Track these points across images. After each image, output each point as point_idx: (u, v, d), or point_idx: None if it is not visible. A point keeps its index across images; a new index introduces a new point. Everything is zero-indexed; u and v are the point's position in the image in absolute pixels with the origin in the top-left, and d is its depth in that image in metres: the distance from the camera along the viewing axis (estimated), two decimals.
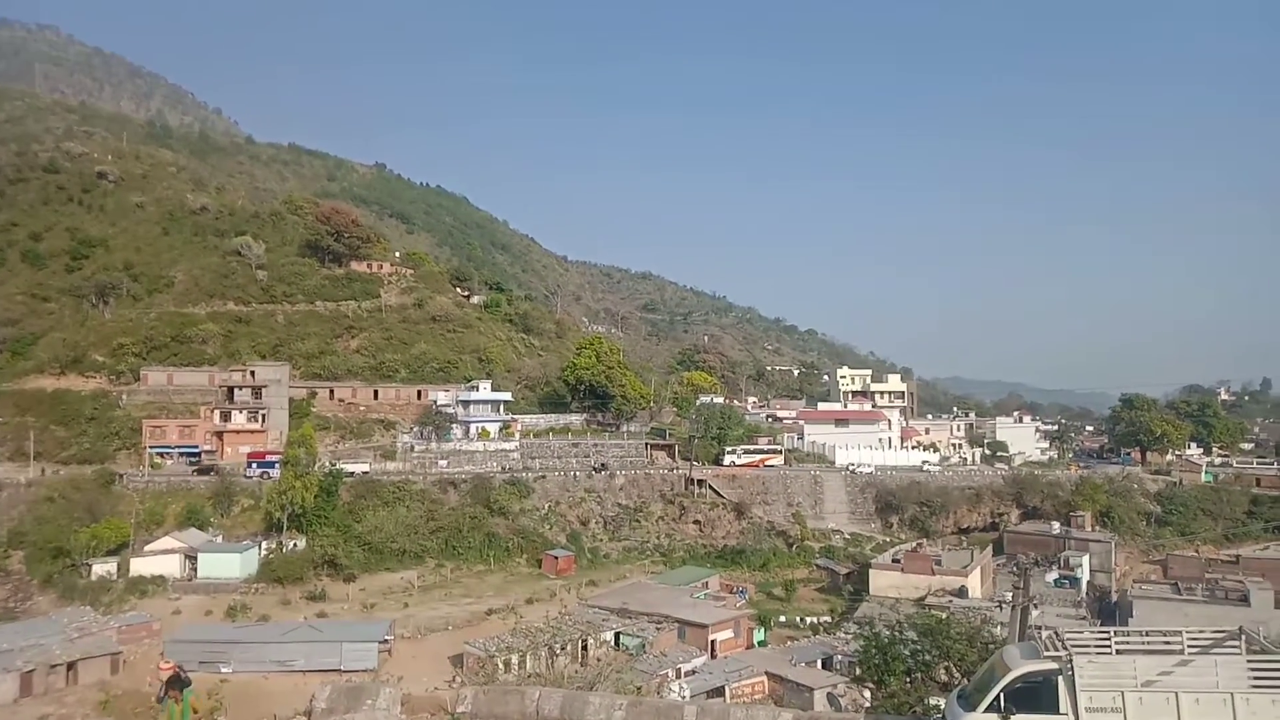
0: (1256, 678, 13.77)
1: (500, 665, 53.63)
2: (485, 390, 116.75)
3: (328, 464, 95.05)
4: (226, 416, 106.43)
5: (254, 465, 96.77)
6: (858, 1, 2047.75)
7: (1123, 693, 13.93)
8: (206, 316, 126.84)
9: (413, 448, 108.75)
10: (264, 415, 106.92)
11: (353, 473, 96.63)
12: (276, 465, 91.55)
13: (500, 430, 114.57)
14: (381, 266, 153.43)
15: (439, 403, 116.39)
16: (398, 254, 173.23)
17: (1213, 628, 15.80)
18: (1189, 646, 14.89)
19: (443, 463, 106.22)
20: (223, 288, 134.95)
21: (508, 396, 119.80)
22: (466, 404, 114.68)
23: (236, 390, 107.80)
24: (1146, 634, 15.99)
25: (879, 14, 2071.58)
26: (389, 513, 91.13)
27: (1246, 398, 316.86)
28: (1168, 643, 15.17)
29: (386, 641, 62.03)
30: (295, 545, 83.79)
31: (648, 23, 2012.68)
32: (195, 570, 78.62)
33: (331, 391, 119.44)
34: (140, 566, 77.68)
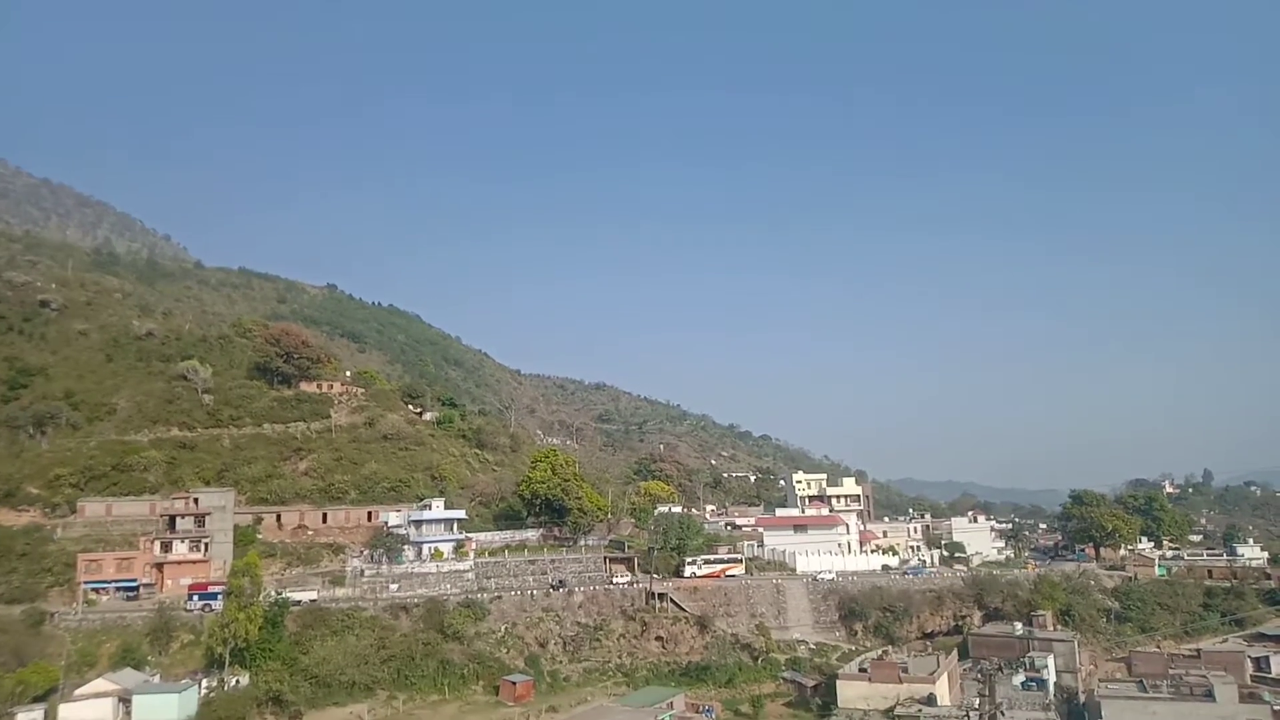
0: None
1: None
2: (438, 508, 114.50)
3: (273, 593, 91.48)
4: (167, 547, 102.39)
5: (195, 597, 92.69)
6: (803, 110, 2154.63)
7: None
8: (149, 443, 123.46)
9: (363, 572, 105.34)
10: (207, 544, 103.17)
11: (300, 601, 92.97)
12: (219, 596, 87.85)
13: (454, 550, 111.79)
14: (332, 386, 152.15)
15: (390, 523, 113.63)
16: (349, 373, 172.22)
17: None
18: None
19: (394, 586, 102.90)
20: (167, 413, 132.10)
21: (462, 514, 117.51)
22: (419, 524, 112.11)
23: (178, 519, 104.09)
24: None
25: (826, 119, 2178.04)
26: (338, 642, 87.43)
27: (1190, 489, 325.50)
28: None
29: None
30: (238, 682, 79.47)
31: (588, 140, 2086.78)
32: (130, 714, 73.77)
33: (278, 517, 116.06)
34: (69, 713, 72.59)
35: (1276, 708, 74.74)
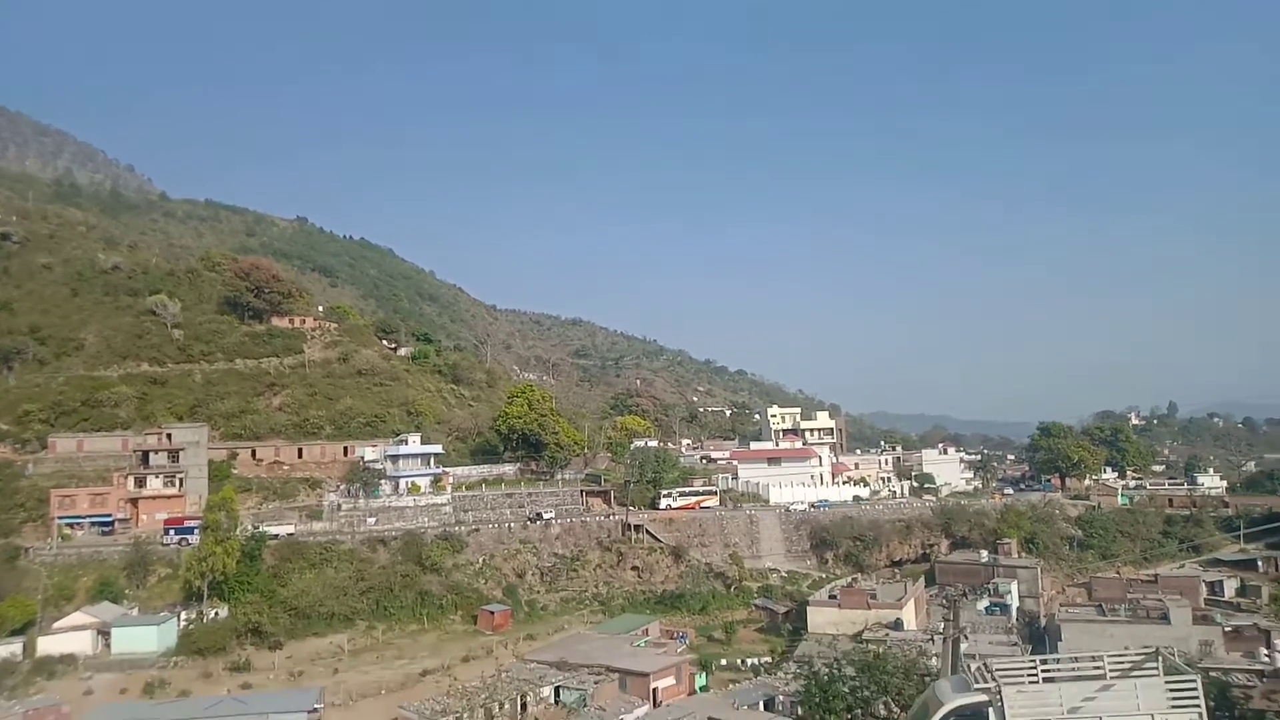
0: (1174, 698, 14.32)
1: None
2: (415, 444, 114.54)
3: (250, 527, 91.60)
4: (141, 482, 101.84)
5: (171, 532, 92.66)
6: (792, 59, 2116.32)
7: None
8: (119, 379, 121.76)
9: (339, 506, 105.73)
10: (181, 479, 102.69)
11: (277, 535, 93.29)
12: (195, 531, 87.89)
13: (431, 484, 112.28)
14: (304, 321, 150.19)
15: (366, 458, 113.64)
16: (321, 308, 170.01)
17: (1132, 651, 16.41)
18: (1110, 671, 15.42)
19: (371, 520, 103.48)
20: (136, 348, 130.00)
21: (438, 449, 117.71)
22: (395, 459, 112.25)
23: (152, 454, 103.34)
24: (1070, 661, 16.53)
25: (813, 64, 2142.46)
26: (316, 575, 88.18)
27: (1155, 421, 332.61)
28: (1095, 668, 15.69)
29: (316, 710, 59.47)
30: (217, 614, 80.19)
31: (575, 77, 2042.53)
32: (109, 646, 74.44)
33: (253, 451, 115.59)
34: (48, 645, 73.07)
35: (1227, 629, 77.88)
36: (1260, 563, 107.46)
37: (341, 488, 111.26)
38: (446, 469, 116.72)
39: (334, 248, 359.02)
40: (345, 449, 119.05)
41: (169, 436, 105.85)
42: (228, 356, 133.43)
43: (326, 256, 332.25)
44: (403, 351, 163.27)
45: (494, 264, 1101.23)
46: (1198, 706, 14.13)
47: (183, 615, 79.84)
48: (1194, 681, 14.40)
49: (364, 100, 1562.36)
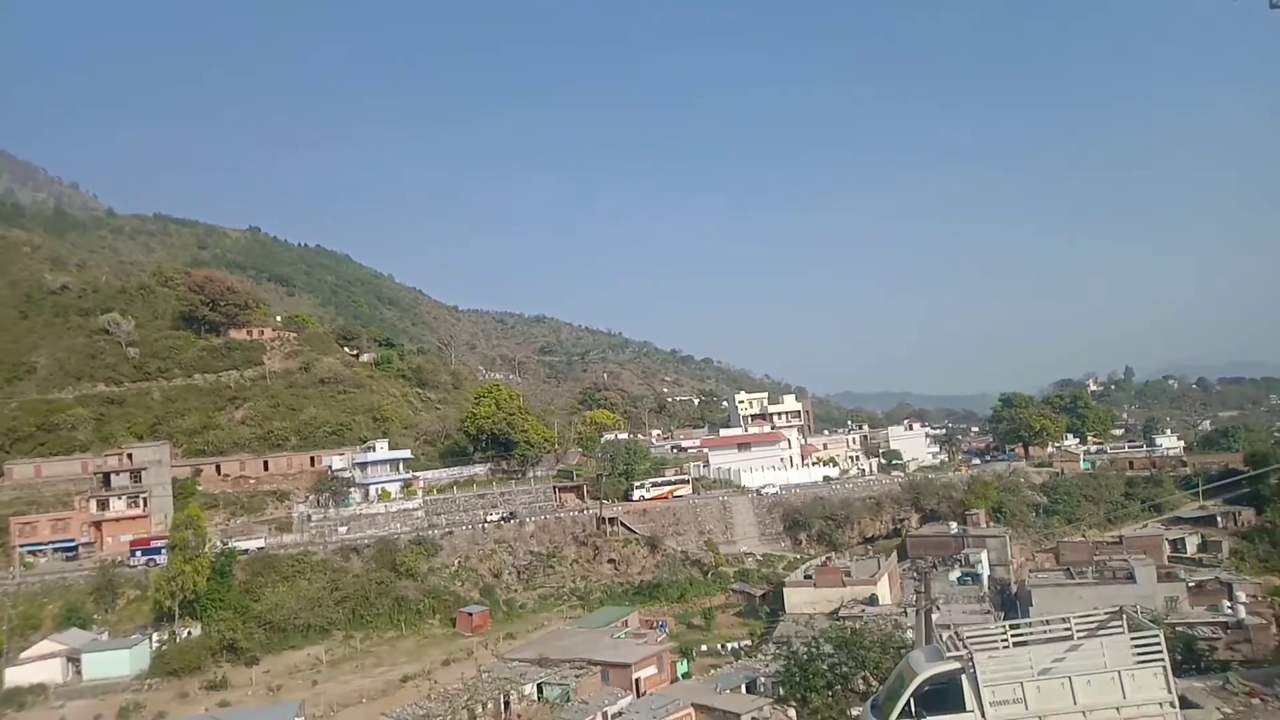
0: (1139, 653, 14.76)
1: None
2: (382, 450, 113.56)
3: (219, 544, 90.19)
4: (104, 504, 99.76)
5: (138, 553, 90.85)
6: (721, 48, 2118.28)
7: (1022, 683, 14.66)
8: (75, 400, 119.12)
9: (309, 517, 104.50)
10: (145, 499, 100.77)
11: (247, 550, 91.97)
12: (163, 551, 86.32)
13: (402, 489, 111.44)
14: (263, 332, 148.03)
15: (334, 467, 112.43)
16: (279, 318, 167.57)
17: (1097, 610, 16.85)
18: (1077, 631, 15.85)
19: (343, 529, 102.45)
20: (91, 369, 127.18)
21: (407, 454, 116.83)
22: (364, 466, 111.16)
23: (113, 476, 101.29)
24: (1039, 624, 16.94)
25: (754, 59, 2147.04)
26: (289, 588, 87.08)
27: (1113, 386, 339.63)
28: (1063, 630, 16.10)
29: None
30: (189, 633, 78.84)
31: (525, 68, 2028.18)
32: (80, 673, 72.91)
33: (218, 467, 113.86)
34: (16, 676, 71.37)
35: (1191, 584, 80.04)
36: (1219, 518, 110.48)
37: (310, 498, 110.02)
38: (416, 473, 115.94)
39: (289, 256, 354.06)
40: (312, 459, 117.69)
41: (130, 456, 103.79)
42: (186, 372, 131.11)
43: (282, 265, 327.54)
44: (365, 357, 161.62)
45: (454, 265, 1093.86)
46: (1161, 660, 14.58)
47: (154, 637, 78.41)
48: (1157, 636, 14.85)
49: (312, 105, 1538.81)
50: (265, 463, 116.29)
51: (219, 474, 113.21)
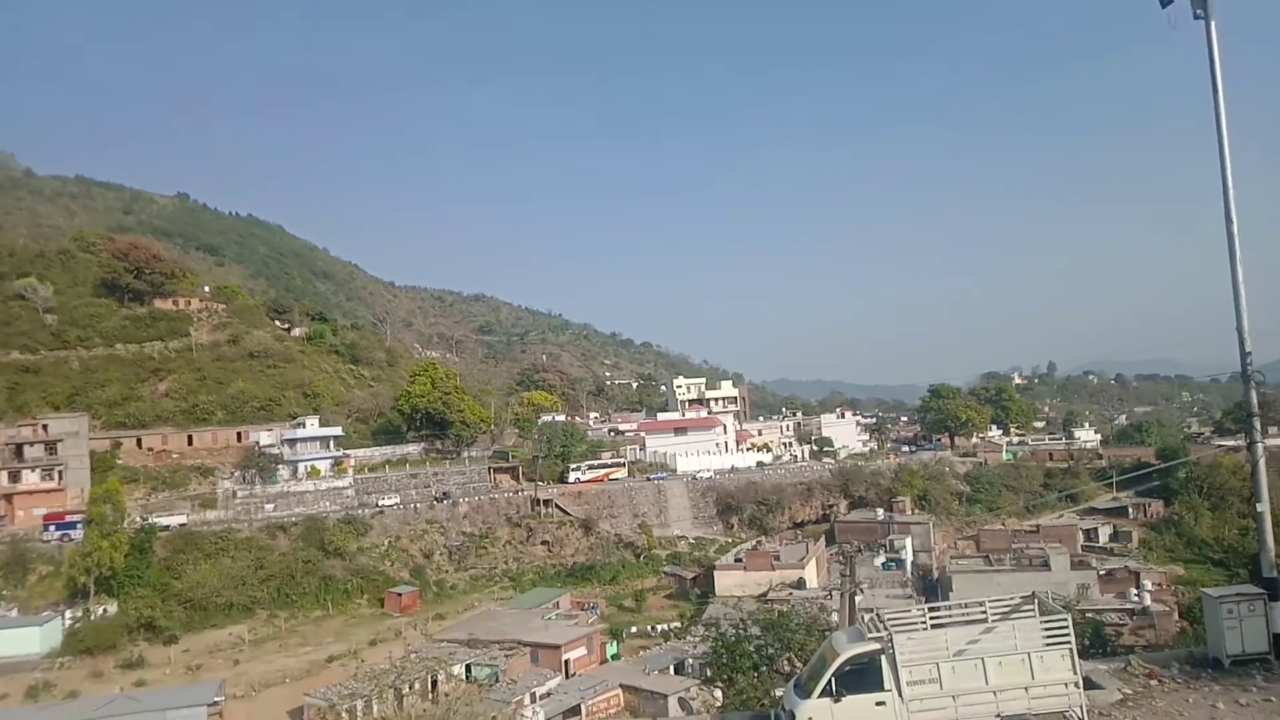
0: (1048, 637, 15.42)
1: (344, 714, 51.21)
2: (313, 426, 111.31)
3: (139, 519, 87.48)
4: (16, 476, 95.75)
5: (52, 528, 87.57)
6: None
7: (938, 664, 15.21)
8: None
9: (235, 493, 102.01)
10: (60, 472, 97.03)
11: (168, 526, 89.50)
12: (78, 525, 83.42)
13: (332, 467, 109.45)
14: (190, 302, 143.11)
15: (262, 443, 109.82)
16: (207, 288, 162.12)
17: (1011, 595, 17.51)
18: (992, 615, 16.48)
19: (269, 506, 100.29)
20: (5, 336, 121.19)
21: (338, 431, 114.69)
22: (293, 442, 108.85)
23: (26, 447, 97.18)
24: (956, 608, 17.52)
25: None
26: (212, 565, 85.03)
27: (1036, 380, 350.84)
28: (979, 613, 16.71)
29: (217, 703, 57.62)
30: (105, 611, 76.46)
31: (469, 43, 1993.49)
32: None
33: (139, 440, 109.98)
34: None
35: (1102, 572, 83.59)
36: (1131, 509, 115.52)
37: (236, 474, 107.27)
38: (347, 451, 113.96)
39: (219, 225, 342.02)
40: (239, 434, 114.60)
41: (45, 427, 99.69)
42: (107, 341, 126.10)
43: (211, 234, 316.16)
44: (297, 332, 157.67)
45: (392, 240, 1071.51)
46: (1069, 642, 15.21)
47: (67, 614, 75.84)
48: (1065, 621, 15.49)
49: (245, 69, 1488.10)
50: (189, 437, 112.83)
51: (140, 447, 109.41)
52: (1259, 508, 19.93)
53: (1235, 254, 19.67)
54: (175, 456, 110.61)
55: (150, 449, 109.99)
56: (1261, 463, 19.94)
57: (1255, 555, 20.57)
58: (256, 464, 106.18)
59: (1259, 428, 20.04)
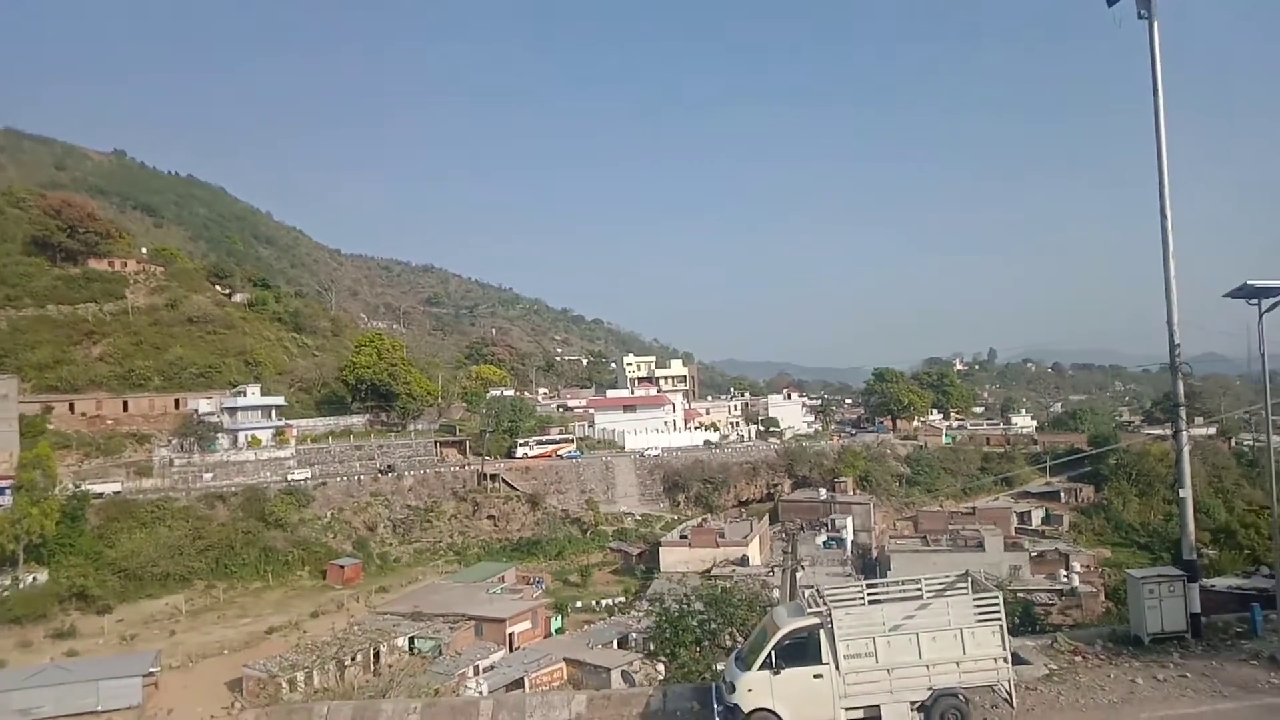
0: (980, 614, 16.06)
1: (285, 685, 50.72)
2: (254, 395, 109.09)
3: (70, 486, 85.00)
4: None
5: None
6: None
7: (874, 638, 15.76)
8: None
9: (172, 462, 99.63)
10: None
11: (102, 494, 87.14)
12: (6, 491, 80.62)
13: (273, 437, 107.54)
14: (125, 264, 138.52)
15: (201, 411, 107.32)
16: (144, 250, 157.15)
17: (946, 574, 18.16)
18: (927, 592, 17.10)
19: (208, 476, 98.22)
20: None
21: (280, 400, 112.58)
22: (233, 411, 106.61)
23: None
24: (893, 585, 18.11)
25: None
26: (148, 535, 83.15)
27: (977, 366, 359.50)
28: (915, 590, 17.31)
29: (152, 674, 56.71)
30: (35, 579, 74.31)
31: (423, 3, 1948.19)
32: None
33: (71, 405, 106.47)
34: None
35: (1033, 554, 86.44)
36: (1062, 494, 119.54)
37: (174, 442, 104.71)
38: (290, 421, 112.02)
39: (157, 184, 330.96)
40: (177, 401, 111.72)
41: None
42: (38, 302, 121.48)
43: (149, 194, 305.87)
44: (238, 297, 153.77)
45: (338, 206, 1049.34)
46: (999, 619, 15.83)
47: None
48: (996, 598, 16.11)
49: (186, 23, 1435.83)
50: (125, 403, 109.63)
51: (73, 412, 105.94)
52: (1181, 494, 20.90)
53: (1169, 250, 20.45)
54: (110, 423, 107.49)
55: (83, 414, 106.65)
56: (1185, 451, 20.87)
57: (1178, 539, 21.58)
58: (195, 432, 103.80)
59: (1184, 417, 20.95)
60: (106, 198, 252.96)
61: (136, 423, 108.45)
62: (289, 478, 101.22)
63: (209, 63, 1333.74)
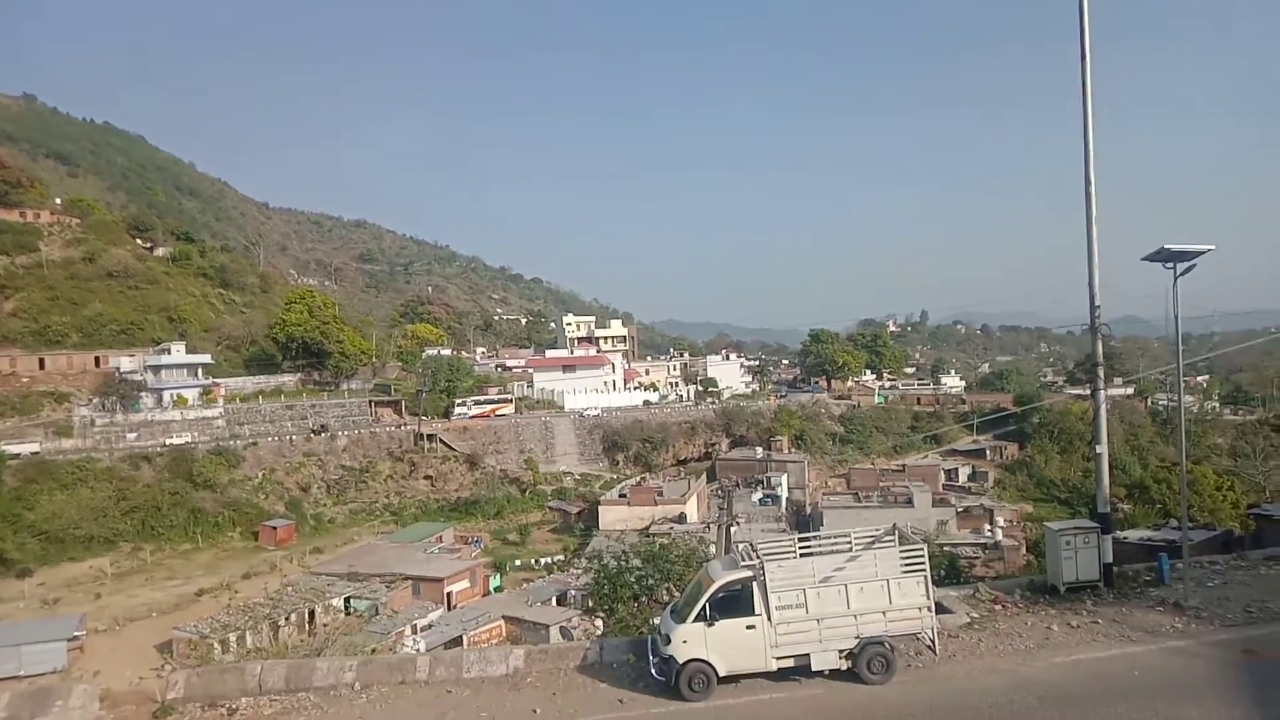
0: (905, 565, 16.61)
1: (216, 646, 49.97)
2: (179, 353, 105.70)
3: None
4: None
5: None
6: None
7: (804, 590, 16.20)
8: None
9: (93, 421, 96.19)
10: None
11: (18, 455, 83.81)
12: None
13: (200, 396, 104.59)
14: (39, 215, 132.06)
15: (123, 370, 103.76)
16: (59, 200, 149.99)
17: (874, 528, 18.70)
18: (856, 545, 17.60)
19: (132, 436, 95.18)
20: None
21: (207, 359, 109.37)
22: (157, 369, 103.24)
23: None
24: (825, 539, 18.57)
25: None
26: (69, 496, 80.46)
27: (909, 328, 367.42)
28: (845, 544, 17.78)
29: (77, 638, 55.25)
30: None
31: None
32: None
33: None
34: None
35: (960, 509, 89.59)
36: (988, 451, 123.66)
37: (95, 402, 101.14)
38: (217, 380, 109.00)
39: (72, 131, 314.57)
40: (97, 359, 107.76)
41: None
42: None
43: (63, 142, 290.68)
44: (160, 251, 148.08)
45: (265, 158, 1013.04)
46: (924, 570, 16.42)
47: None
48: (921, 550, 16.68)
49: None
50: (41, 360, 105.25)
51: None
52: (1098, 449, 21.79)
53: (1091, 215, 21.05)
54: (25, 381, 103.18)
55: None
56: (1103, 409, 21.73)
57: (1094, 494, 22.55)
58: (117, 391, 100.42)
59: (1102, 377, 21.77)
60: (15, 144, 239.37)
61: (55, 381, 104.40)
62: (217, 438, 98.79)
63: (125, 3, 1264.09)
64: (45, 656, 51.43)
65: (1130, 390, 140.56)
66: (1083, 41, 20.53)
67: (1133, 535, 47.41)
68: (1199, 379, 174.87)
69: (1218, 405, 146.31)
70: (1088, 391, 26.94)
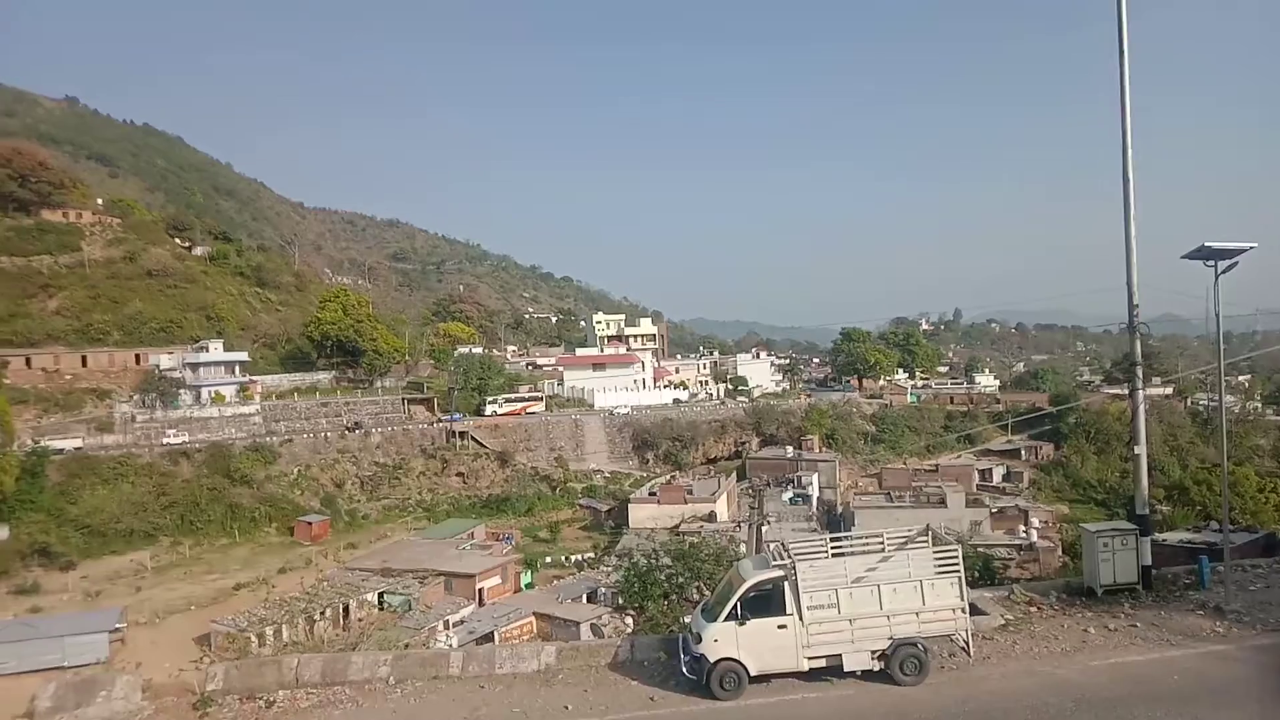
0: (939, 566, 16.47)
1: (254, 639, 50.78)
2: (217, 351, 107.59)
3: (29, 441, 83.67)
4: None
5: None
6: None
7: (836, 590, 16.13)
8: None
9: (134, 418, 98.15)
10: None
11: (62, 450, 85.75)
12: None
13: (237, 393, 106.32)
14: (81, 215, 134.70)
15: (162, 367, 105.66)
16: (100, 201, 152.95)
17: (907, 528, 18.56)
18: (889, 545, 17.47)
19: (171, 432, 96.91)
20: None
21: (244, 356, 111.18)
22: (195, 367, 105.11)
23: None
24: (857, 539, 18.47)
25: None
26: (110, 491, 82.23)
27: (942, 326, 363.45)
28: (879, 544, 17.67)
29: (118, 630, 56.47)
30: None
31: None
32: None
33: (28, 360, 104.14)
34: None
35: (994, 510, 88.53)
36: (1023, 451, 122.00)
37: (135, 398, 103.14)
38: (254, 377, 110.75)
39: (113, 133, 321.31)
40: (137, 357, 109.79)
41: None
42: None
43: (104, 143, 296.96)
44: (199, 251, 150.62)
45: (301, 158, 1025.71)
46: (957, 571, 16.26)
47: None
48: (955, 551, 16.52)
49: None
50: (84, 358, 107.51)
51: (29, 367, 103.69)
52: (1136, 450, 21.46)
53: (1130, 213, 20.72)
54: (68, 378, 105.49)
55: (41, 369, 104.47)
56: (1141, 409, 21.39)
57: (1132, 495, 22.20)
58: (157, 388, 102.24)
59: (1141, 376, 21.43)
60: (59, 146, 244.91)
61: (96, 378, 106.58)
62: (254, 435, 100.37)
63: (162, 6, 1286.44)
64: (88, 648, 52.62)
65: (1169, 390, 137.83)
66: (1120, 36, 20.21)
67: (1171, 537, 46.62)
68: (1241, 378, 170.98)
69: (1260, 405, 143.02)
70: (1125, 391, 26.53)
